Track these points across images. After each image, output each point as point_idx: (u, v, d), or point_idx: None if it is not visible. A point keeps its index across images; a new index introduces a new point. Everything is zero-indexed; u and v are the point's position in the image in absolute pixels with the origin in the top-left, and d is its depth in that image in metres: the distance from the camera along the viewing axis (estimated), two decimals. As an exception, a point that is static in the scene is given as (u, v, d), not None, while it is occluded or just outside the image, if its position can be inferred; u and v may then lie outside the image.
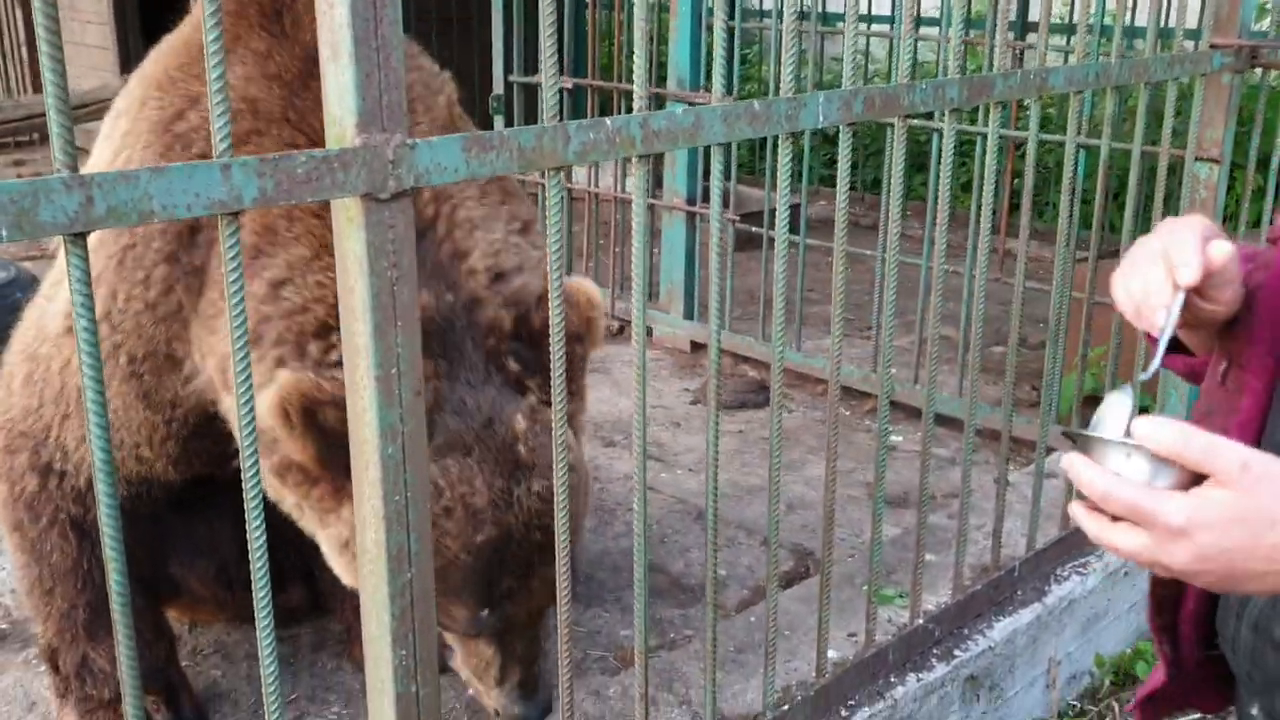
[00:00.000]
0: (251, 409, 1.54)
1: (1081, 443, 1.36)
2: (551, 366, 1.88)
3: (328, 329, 2.11)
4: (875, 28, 7.96)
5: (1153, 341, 1.59)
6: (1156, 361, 1.52)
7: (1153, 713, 1.94)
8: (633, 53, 1.97)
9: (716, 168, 2.11)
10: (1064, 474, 1.35)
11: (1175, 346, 1.72)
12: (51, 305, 2.57)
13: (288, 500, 2.24)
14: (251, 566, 1.59)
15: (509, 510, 2.11)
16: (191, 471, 2.63)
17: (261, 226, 2.20)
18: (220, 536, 2.94)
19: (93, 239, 2.37)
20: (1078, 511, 1.37)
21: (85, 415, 1.41)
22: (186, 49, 2.46)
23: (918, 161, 8.56)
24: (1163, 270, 1.56)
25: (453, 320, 2.11)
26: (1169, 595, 1.79)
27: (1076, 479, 1.33)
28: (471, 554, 2.12)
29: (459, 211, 2.23)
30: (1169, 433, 1.29)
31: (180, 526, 2.93)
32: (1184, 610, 1.79)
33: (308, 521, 2.26)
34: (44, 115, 1.32)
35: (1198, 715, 2.13)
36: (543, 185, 1.83)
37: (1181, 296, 1.54)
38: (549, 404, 2.12)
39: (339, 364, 1.98)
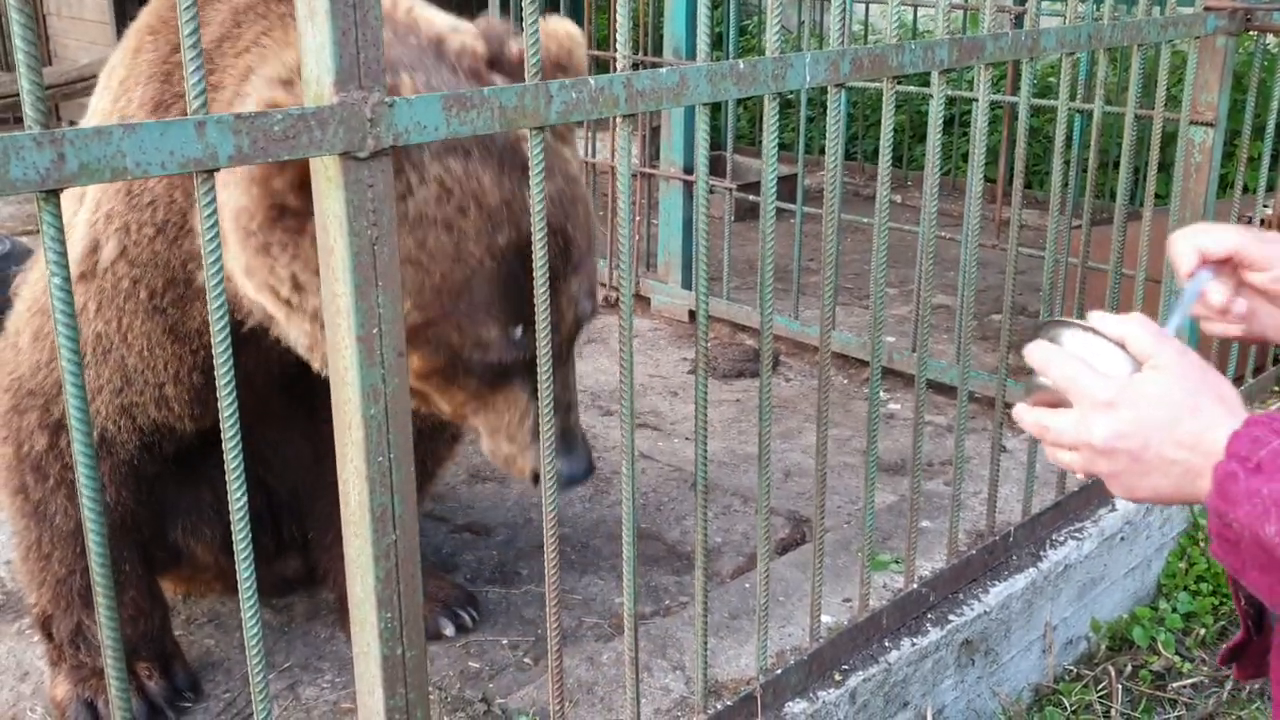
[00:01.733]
0: (223, 310, 1.53)
1: (1050, 333, 1.43)
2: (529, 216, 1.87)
3: None
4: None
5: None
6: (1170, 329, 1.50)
7: (1249, 670, 1.93)
8: (628, 23, 1.96)
9: (702, 127, 2.10)
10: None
11: None
12: None
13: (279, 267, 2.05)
14: (230, 507, 1.59)
15: (525, 213, 2.02)
16: (208, 419, 2.61)
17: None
18: (226, 503, 2.94)
19: None
20: (1019, 409, 1.44)
21: (60, 363, 1.41)
22: None
23: (920, 132, 8.55)
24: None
25: (421, 57, 2.05)
26: None
27: (1028, 356, 1.41)
28: (495, 258, 2.04)
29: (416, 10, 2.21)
30: (1126, 320, 1.38)
31: (187, 492, 2.92)
32: None
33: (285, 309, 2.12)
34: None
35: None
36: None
37: (1191, 284, 1.58)
38: None
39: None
